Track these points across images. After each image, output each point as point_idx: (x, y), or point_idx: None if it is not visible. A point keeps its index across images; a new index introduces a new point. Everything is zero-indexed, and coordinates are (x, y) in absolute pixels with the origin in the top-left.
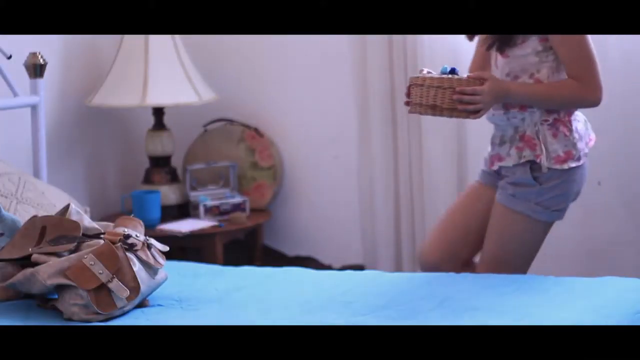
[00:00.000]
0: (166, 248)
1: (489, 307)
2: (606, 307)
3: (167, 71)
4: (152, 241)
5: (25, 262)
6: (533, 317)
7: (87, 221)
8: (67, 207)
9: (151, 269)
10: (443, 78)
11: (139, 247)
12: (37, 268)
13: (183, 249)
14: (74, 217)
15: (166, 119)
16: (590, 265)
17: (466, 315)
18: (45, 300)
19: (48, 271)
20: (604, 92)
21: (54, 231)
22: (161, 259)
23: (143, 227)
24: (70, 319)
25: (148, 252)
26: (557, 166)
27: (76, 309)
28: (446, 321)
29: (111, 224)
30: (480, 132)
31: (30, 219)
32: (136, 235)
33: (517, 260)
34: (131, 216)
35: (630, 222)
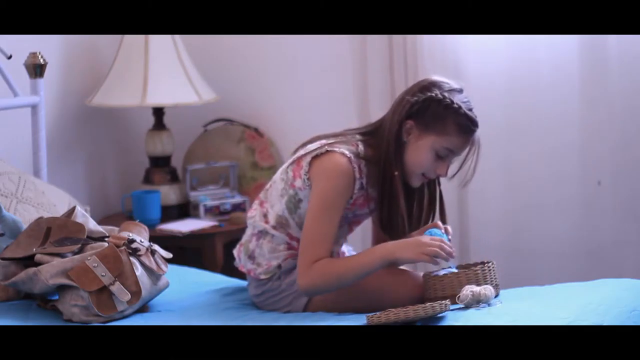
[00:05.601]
0: (169, 255)
1: (486, 310)
2: (601, 306)
3: (167, 71)
4: (156, 247)
5: (29, 261)
6: (530, 317)
7: (92, 224)
8: (73, 209)
9: (154, 275)
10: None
11: (142, 252)
12: (39, 267)
13: (183, 248)
14: (80, 220)
15: (166, 119)
16: (590, 265)
17: (463, 318)
18: (45, 300)
19: (50, 271)
20: (604, 91)
21: (59, 232)
22: (164, 266)
23: (148, 233)
24: (70, 320)
25: (151, 258)
26: None
27: (76, 310)
28: (443, 322)
29: (116, 228)
30: (480, 131)
31: (36, 219)
32: (140, 241)
33: None
34: (136, 222)
35: (630, 222)
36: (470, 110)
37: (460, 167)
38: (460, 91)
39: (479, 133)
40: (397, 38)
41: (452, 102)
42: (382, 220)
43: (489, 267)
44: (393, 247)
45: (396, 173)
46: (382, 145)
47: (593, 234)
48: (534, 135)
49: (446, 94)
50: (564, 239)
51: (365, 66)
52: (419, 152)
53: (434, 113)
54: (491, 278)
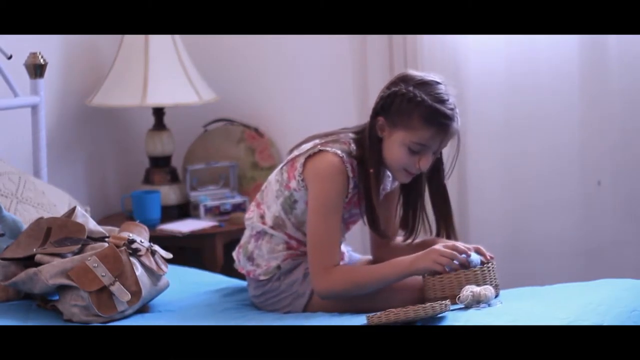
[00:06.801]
0: (170, 255)
1: (486, 311)
2: (601, 306)
3: (167, 71)
4: (156, 247)
5: (29, 262)
6: (530, 317)
7: (92, 224)
8: (73, 209)
9: (154, 275)
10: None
11: (142, 252)
12: (39, 268)
13: (183, 249)
14: (80, 220)
15: (166, 119)
16: (589, 265)
17: (463, 318)
18: (45, 300)
19: (50, 271)
20: (604, 91)
21: (59, 232)
22: (164, 266)
23: (148, 233)
24: (70, 320)
25: (151, 258)
26: None
27: (76, 310)
28: (443, 322)
29: (116, 229)
30: (480, 131)
31: (36, 220)
32: (141, 241)
33: None
34: (137, 222)
35: (630, 222)
36: (442, 102)
37: (436, 161)
38: (436, 83)
39: (478, 130)
40: (397, 38)
41: (416, 96)
42: (368, 219)
43: (488, 267)
44: (412, 260)
45: (371, 170)
46: (365, 144)
47: (593, 234)
48: (534, 135)
49: (411, 88)
50: (564, 239)
51: (365, 66)
52: (393, 148)
53: (399, 108)
54: (491, 278)
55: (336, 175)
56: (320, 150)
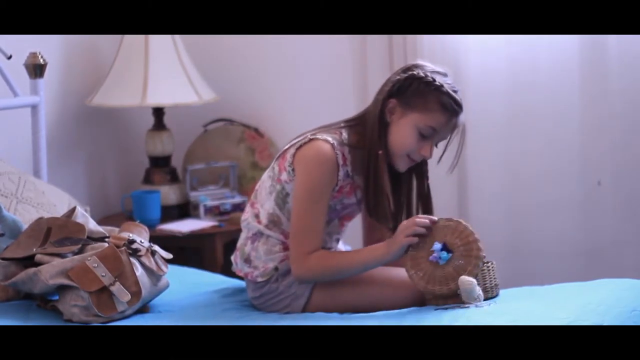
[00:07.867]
0: (170, 256)
1: (486, 310)
2: (601, 306)
3: (167, 71)
4: (156, 248)
5: (29, 262)
6: (529, 317)
7: (92, 224)
8: (74, 209)
9: (154, 275)
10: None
11: (142, 252)
12: (39, 268)
13: (183, 249)
14: (80, 220)
15: (166, 119)
16: (589, 265)
17: (463, 318)
18: (45, 300)
19: (50, 271)
20: (604, 91)
21: (59, 233)
22: (164, 266)
23: (148, 233)
24: (70, 320)
25: (151, 259)
26: None
27: (76, 310)
28: (443, 322)
29: (116, 229)
30: (480, 131)
31: (36, 220)
32: (141, 241)
33: None
34: (137, 222)
35: (630, 222)
36: (455, 92)
37: (445, 150)
38: (445, 75)
39: (478, 130)
40: (397, 38)
41: (434, 80)
42: (369, 204)
43: (488, 267)
44: (386, 244)
45: (380, 152)
46: (367, 129)
47: (593, 234)
48: (534, 135)
49: (428, 73)
50: (564, 239)
51: (365, 66)
52: (403, 131)
53: (416, 90)
54: (491, 278)
55: (324, 162)
56: (310, 139)
